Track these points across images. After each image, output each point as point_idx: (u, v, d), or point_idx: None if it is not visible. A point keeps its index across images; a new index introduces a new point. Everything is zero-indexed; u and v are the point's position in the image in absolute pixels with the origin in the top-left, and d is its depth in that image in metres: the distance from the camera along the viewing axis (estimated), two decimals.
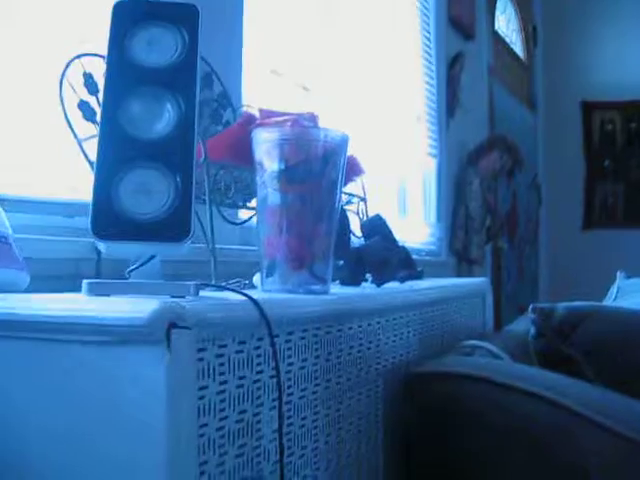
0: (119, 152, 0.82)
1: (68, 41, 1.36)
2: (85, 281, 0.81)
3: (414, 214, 3.10)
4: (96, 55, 1.19)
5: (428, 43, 3.18)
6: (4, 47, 1.28)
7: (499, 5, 4.36)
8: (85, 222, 0.84)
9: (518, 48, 4.89)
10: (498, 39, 4.33)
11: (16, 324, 0.79)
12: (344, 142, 1.06)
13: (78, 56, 1.18)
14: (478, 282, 2.04)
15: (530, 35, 5.14)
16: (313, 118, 1.17)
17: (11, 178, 1.24)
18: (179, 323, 0.71)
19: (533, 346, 1.39)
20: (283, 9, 2.10)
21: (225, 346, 0.79)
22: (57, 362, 0.77)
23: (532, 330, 1.37)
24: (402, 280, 1.45)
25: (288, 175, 1.01)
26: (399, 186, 3.00)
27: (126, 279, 0.89)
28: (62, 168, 1.33)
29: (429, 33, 3.19)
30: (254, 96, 1.82)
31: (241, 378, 0.82)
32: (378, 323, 1.20)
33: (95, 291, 0.79)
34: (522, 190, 4.65)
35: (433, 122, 3.16)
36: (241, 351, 0.82)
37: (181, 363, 0.71)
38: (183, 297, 0.79)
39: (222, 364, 0.78)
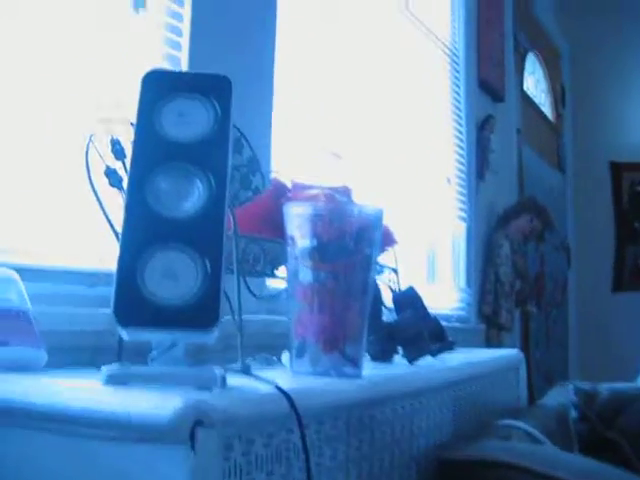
0: (145, 232, 0.77)
1: (96, 105, 1.34)
2: (104, 369, 0.76)
3: (443, 279, 3.04)
4: (124, 121, 1.17)
5: (458, 105, 3.15)
6: (31, 108, 1.25)
7: (527, 66, 4.35)
8: (107, 291, 0.79)
9: (547, 109, 4.87)
10: (527, 100, 4.31)
11: (29, 413, 0.74)
12: (379, 217, 1.01)
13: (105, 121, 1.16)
14: (511, 354, 1.97)
15: (559, 95, 5.11)
16: (347, 191, 1.13)
17: (32, 247, 1.21)
18: (205, 421, 0.65)
19: (575, 429, 1.31)
20: (314, 74, 2.08)
21: (252, 441, 0.74)
22: (72, 456, 0.72)
23: (574, 413, 1.30)
24: (434, 353, 1.40)
25: (321, 252, 0.96)
26: (428, 251, 2.95)
27: (148, 363, 0.83)
28: (87, 237, 1.29)
29: (459, 96, 3.17)
30: (283, 162, 1.79)
31: (269, 474, 0.76)
32: (411, 405, 1.14)
33: (114, 381, 0.74)
34: (550, 252, 4.58)
35: (463, 185, 3.11)
36: (269, 445, 0.77)
37: (206, 464, 0.66)
38: (209, 389, 0.74)
39: (249, 462, 0.73)
